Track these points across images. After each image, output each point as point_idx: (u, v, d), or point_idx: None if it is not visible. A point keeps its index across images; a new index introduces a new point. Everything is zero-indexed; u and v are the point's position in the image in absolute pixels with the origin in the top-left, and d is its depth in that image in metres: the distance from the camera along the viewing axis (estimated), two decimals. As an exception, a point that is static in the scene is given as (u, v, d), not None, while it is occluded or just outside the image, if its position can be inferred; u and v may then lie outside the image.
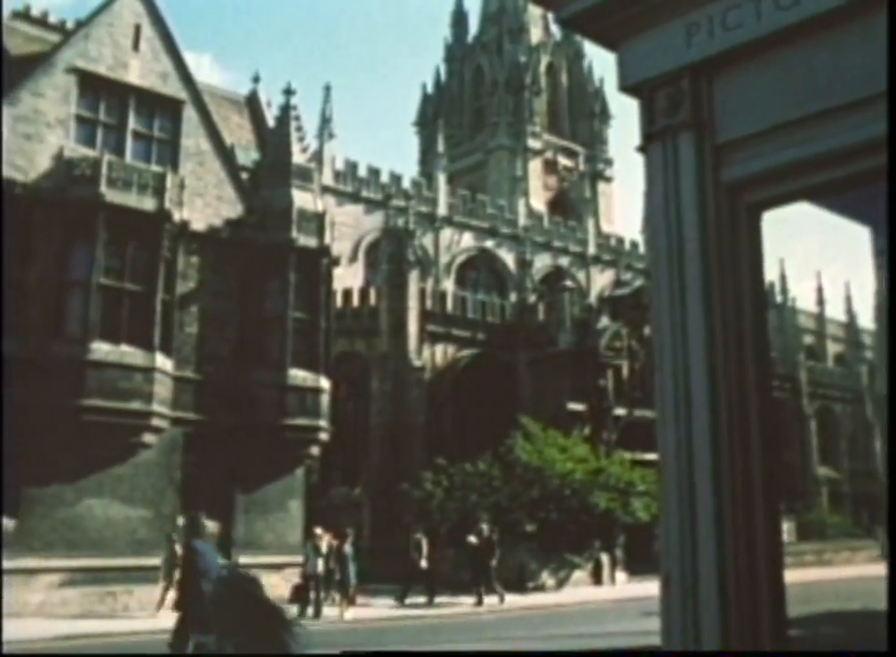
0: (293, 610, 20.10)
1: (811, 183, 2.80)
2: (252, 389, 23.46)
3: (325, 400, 24.72)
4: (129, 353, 21.44)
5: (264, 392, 23.56)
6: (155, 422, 21.78)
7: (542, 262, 50.57)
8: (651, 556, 25.91)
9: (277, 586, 22.83)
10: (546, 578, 29.21)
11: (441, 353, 35.50)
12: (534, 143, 57.33)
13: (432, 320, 35.31)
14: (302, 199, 25.27)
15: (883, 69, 2.52)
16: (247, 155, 27.40)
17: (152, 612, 19.05)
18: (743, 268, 2.87)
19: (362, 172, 46.22)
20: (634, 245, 55.50)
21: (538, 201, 55.24)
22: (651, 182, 3.06)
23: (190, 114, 24.39)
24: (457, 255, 48.32)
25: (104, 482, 21.34)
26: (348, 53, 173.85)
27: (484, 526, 24.95)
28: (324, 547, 21.59)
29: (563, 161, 58.97)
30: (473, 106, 61.74)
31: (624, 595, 26.01)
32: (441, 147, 50.66)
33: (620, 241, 55.56)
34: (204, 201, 24.19)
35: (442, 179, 49.05)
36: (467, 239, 48.82)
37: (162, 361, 21.96)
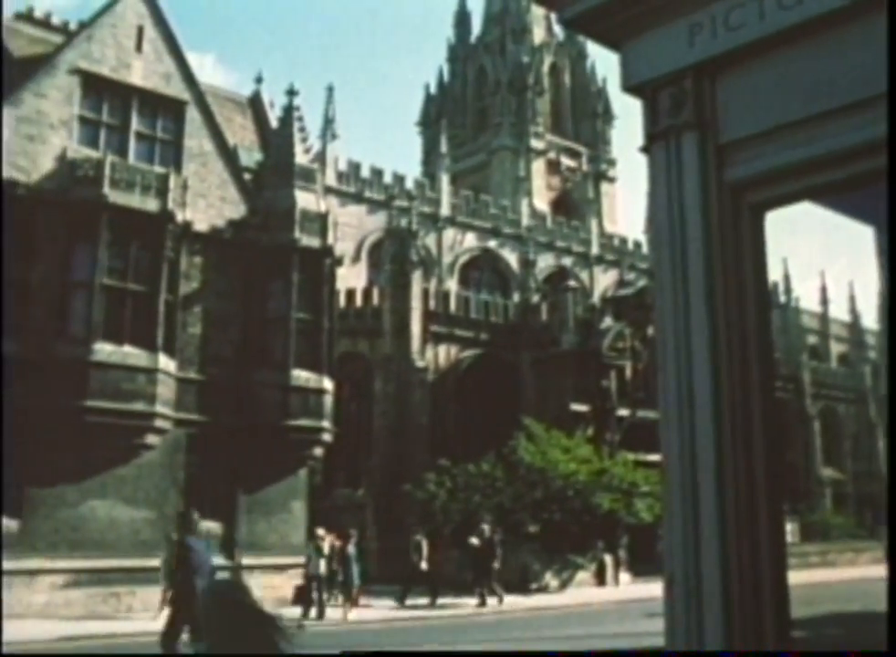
0: (296, 611, 20.13)
1: (814, 183, 2.79)
2: (255, 389, 23.46)
3: (328, 400, 24.73)
4: (132, 354, 21.45)
5: (267, 393, 23.56)
6: (158, 423, 21.80)
7: (545, 262, 50.59)
8: (654, 556, 25.94)
9: (280, 587, 22.93)
10: (550, 579, 29.20)
11: (444, 354, 35.50)
12: (537, 144, 57.35)
13: (436, 321, 35.30)
14: (305, 199, 25.28)
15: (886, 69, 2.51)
16: (250, 156, 27.41)
17: (156, 613, 19.04)
18: (746, 268, 2.87)
19: (365, 172, 46.24)
20: (637, 245, 55.51)
21: (541, 201, 55.26)
22: (655, 182, 3.06)
23: (193, 115, 24.41)
24: (460, 255, 48.32)
25: (107, 483, 21.36)
26: (350, 54, 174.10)
27: (486, 527, 24.92)
28: (326, 548, 21.58)
29: (566, 161, 58.98)
30: (476, 106, 61.76)
31: (627, 596, 25.99)
32: (444, 147, 50.66)
33: (624, 241, 55.57)
34: (207, 201, 24.21)
35: (445, 179, 49.07)
36: (470, 239, 48.82)
37: (165, 362, 21.97)
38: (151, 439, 21.86)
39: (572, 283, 41.45)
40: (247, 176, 25.81)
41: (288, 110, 26.89)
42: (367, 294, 36.05)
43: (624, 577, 31.18)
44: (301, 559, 21.88)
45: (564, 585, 29.37)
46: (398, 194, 45.73)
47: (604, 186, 59.74)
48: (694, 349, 2.85)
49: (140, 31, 24.01)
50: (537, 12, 59.65)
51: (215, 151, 24.74)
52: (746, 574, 2.70)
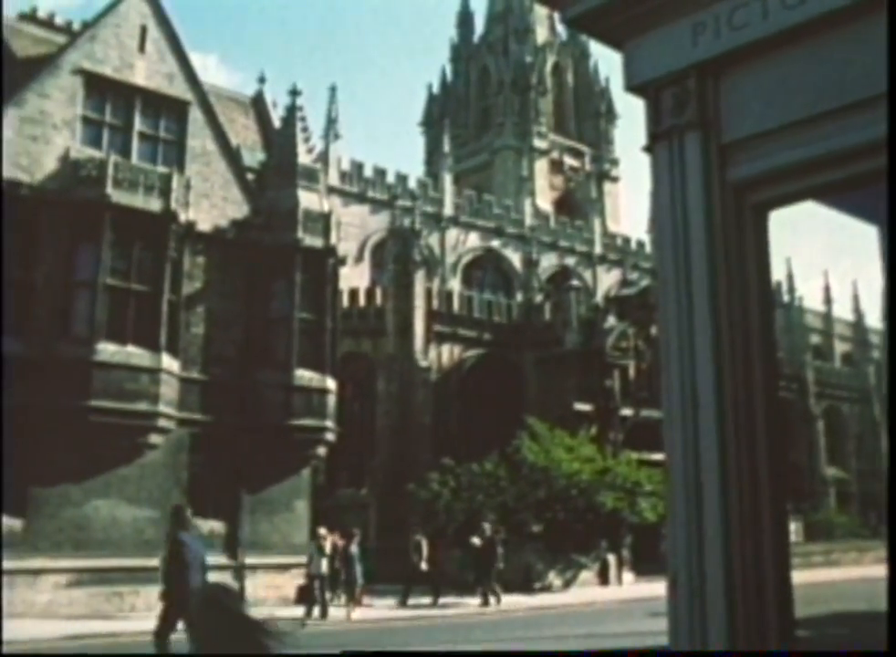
0: (299, 610, 20.14)
1: (817, 183, 2.79)
2: (258, 389, 23.47)
3: (331, 400, 24.74)
4: (135, 354, 21.47)
5: (270, 393, 23.57)
6: (161, 422, 21.82)
7: (548, 261, 50.58)
8: (657, 556, 25.93)
9: (283, 586, 22.96)
10: (553, 579, 29.19)
11: (447, 353, 35.50)
12: (540, 143, 57.32)
13: (439, 320, 35.30)
14: (308, 199, 25.29)
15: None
16: (253, 156, 27.44)
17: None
18: (749, 267, 2.86)
19: (368, 172, 46.22)
20: (640, 244, 55.48)
21: (544, 201, 55.23)
22: (658, 181, 3.06)
23: (196, 115, 24.42)
24: (463, 254, 48.30)
25: (111, 482, 21.39)
26: (354, 54, 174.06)
27: (487, 527, 24.89)
28: (328, 548, 21.57)
29: (569, 160, 58.94)
30: (478, 106, 61.73)
31: (631, 595, 25.97)
32: (446, 147, 50.64)
33: (627, 240, 55.53)
34: (210, 201, 24.22)
35: (447, 179, 49.05)
36: (473, 239, 48.81)
37: (169, 362, 21.99)
38: (155, 439, 21.88)
39: (575, 282, 41.38)
40: (250, 176, 25.84)
41: (291, 110, 26.91)
42: (370, 294, 36.04)
43: (628, 576, 31.17)
44: (304, 559, 21.90)
45: (567, 584, 29.36)
46: (401, 194, 45.71)
47: (607, 186, 59.72)
48: (698, 348, 2.85)
49: (144, 31, 24.02)
50: (540, 11, 59.62)
51: (218, 151, 24.75)
52: (750, 573, 2.70)
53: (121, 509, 21.47)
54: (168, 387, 21.93)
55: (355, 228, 43.30)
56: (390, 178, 46.95)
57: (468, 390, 34.97)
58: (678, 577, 2.81)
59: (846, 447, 47.35)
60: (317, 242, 24.83)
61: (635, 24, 3.07)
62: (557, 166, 58.17)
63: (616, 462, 30.75)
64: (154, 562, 19.62)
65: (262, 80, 31.24)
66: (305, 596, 21.34)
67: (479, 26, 65.63)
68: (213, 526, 22.21)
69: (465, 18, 66.30)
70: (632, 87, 3.15)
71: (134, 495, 21.69)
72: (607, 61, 69.90)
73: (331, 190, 39.36)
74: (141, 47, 23.88)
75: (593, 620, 20.37)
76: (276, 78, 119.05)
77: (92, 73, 22.95)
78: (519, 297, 44.75)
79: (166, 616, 11.30)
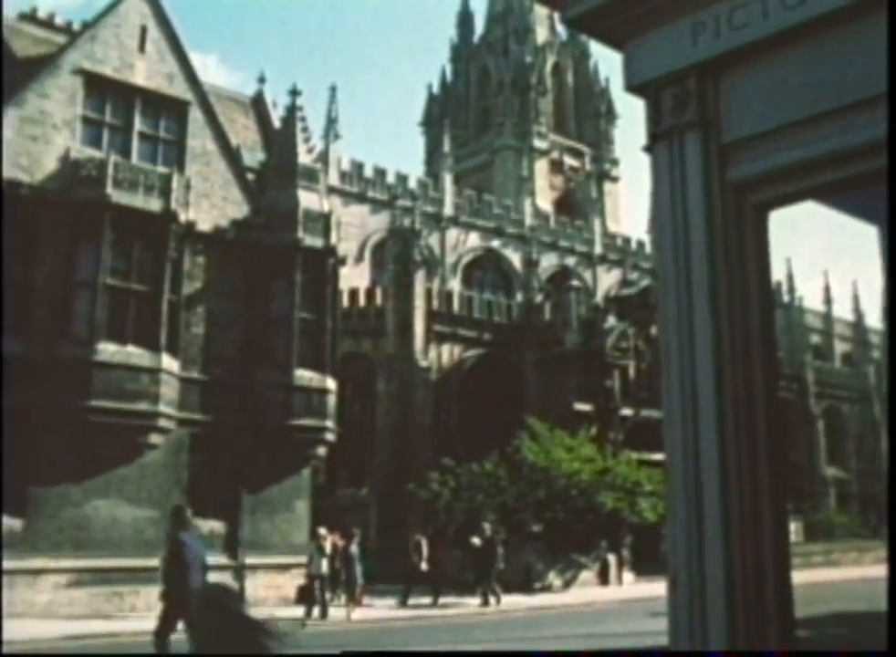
0: (299, 610, 20.14)
1: (817, 183, 2.79)
2: (258, 389, 23.47)
3: (331, 400, 24.74)
4: (135, 354, 21.48)
5: (270, 393, 23.58)
6: (161, 422, 21.82)
7: (548, 261, 50.57)
8: (658, 556, 25.90)
9: (283, 586, 22.96)
10: (553, 579, 29.19)
11: (447, 353, 35.51)
12: (540, 143, 57.33)
13: (439, 320, 35.31)
14: (308, 199, 25.29)
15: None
16: (253, 156, 27.44)
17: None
18: (749, 267, 2.86)
19: (368, 172, 46.22)
20: (640, 244, 55.48)
21: (544, 201, 55.24)
22: (658, 181, 3.06)
23: (196, 115, 24.42)
24: (463, 254, 48.31)
25: (111, 482, 21.39)
26: (354, 54, 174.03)
27: (487, 527, 24.89)
28: (328, 548, 21.56)
29: (569, 161, 58.95)
30: (478, 106, 61.73)
31: (631, 595, 25.97)
32: (447, 147, 50.65)
33: (627, 240, 55.53)
34: (210, 201, 24.22)
35: (448, 179, 49.06)
36: (473, 239, 48.82)
37: (169, 362, 21.99)
38: (155, 439, 21.88)
39: (575, 282, 41.41)
40: (250, 176, 25.84)
41: (291, 110, 26.92)
42: (370, 294, 36.05)
43: (628, 576, 31.17)
44: (304, 559, 21.89)
45: (567, 584, 29.36)
46: (401, 194, 45.72)
47: (607, 186, 59.72)
48: (698, 348, 2.85)
49: (144, 31, 24.03)
50: (540, 12, 59.62)
51: (218, 151, 24.75)
52: (750, 573, 2.70)
53: (121, 509, 21.47)
54: (168, 387, 21.93)
55: (355, 228, 43.30)
56: (391, 178, 46.96)
57: (468, 390, 34.97)
58: (678, 577, 2.81)
59: (846, 447, 47.34)
60: (317, 242, 24.83)
61: (635, 24, 3.07)
62: (557, 166, 58.18)
63: (616, 462, 30.75)
64: (154, 562, 19.66)
65: (262, 80, 31.26)
66: (305, 596, 21.32)
67: (479, 26, 65.69)
68: (214, 526, 22.21)
69: (465, 18, 66.30)
70: (632, 87, 3.15)
71: (134, 495, 21.69)
72: (607, 61, 69.96)
73: (331, 190, 39.36)
74: (141, 47, 23.88)
75: (593, 621, 20.37)
76: (276, 78, 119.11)
77: (92, 73, 22.95)
78: (519, 297, 44.73)
79: (166, 616, 11.31)
